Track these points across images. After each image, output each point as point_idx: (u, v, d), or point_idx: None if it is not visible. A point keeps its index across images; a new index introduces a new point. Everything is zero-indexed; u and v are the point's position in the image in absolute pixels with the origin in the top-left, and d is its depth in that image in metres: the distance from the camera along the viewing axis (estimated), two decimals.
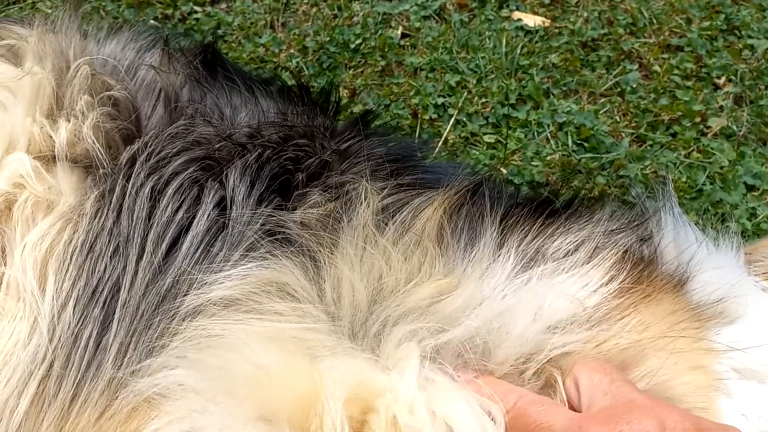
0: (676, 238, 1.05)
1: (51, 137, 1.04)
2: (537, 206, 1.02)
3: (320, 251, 0.91)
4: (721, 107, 1.77)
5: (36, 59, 1.09)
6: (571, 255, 0.96)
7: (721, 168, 1.65)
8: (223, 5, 2.01)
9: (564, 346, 0.87)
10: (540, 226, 0.98)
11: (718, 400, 0.88)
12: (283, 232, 0.94)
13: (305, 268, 0.89)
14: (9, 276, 0.97)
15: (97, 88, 1.08)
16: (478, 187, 1.02)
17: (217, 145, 1.03)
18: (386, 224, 0.94)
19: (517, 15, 1.97)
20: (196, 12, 1.98)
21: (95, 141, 1.03)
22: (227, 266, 0.90)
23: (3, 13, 1.91)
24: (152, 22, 1.90)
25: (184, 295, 0.90)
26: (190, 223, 0.96)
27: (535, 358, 0.87)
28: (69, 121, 1.04)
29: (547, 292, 0.90)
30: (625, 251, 0.98)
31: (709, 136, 1.73)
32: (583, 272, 0.93)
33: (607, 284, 0.92)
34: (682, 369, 0.87)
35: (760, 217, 1.58)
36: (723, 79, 1.83)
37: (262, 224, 0.95)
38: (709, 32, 1.92)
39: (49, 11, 1.86)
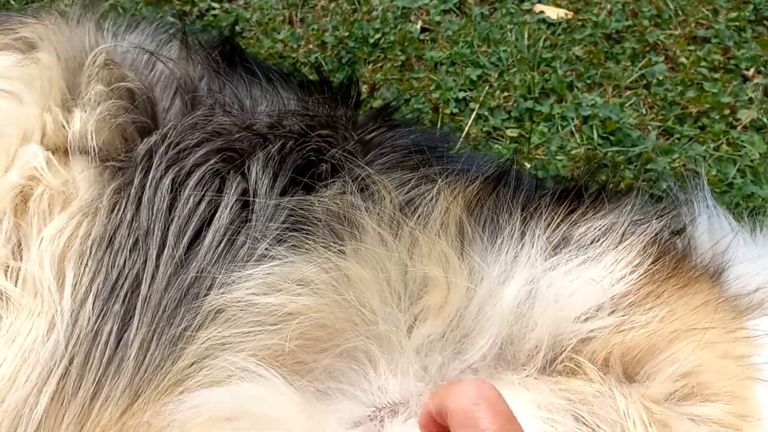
0: (710, 229, 1.02)
1: (64, 127, 1.02)
2: (561, 193, 1.00)
3: (343, 249, 0.88)
4: (751, 99, 1.73)
5: (47, 49, 1.08)
6: (598, 241, 0.93)
7: (752, 161, 1.61)
8: (241, 1, 1.99)
9: (590, 332, 0.84)
10: (565, 213, 0.96)
11: (754, 389, 0.85)
12: (307, 227, 0.92)
13: (328, 266, 0.87)
14: (26, 271, 0.96)
15: (112, 79, 1.06)
16: (500, 176, 1.00)
17: (237, 136, 1.01)
18: (409, 219, 0.91)
19: (539, 7, 1.93)
20: (214, 8, 1.96)
21: (100, 134, 1.01)
22: (251, 261, 0.88)
23: (22, 11, 1.91)
24: (170, 18, 1.88)
25: (208, 291, 0.88)
26: (213, 216, 0.94)
27: (560, 348, 0.85)
28: (85, 111, 1.03)
29: (573, 280, 0.88)
30: (655, 238, 0.95)
31: (739, 128, 1.68)
32: (610, 259, 0.91)
33: (634, 270, 0.90)
34: (712, 357, 0.85)
35: None
36: (752, 70, 1.79)
37: (286, 218, 0.93)
38: (736, 23, 1.87)
39: (68, 9, 1.86)
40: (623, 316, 0.84)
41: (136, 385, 0.88)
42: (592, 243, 0.93)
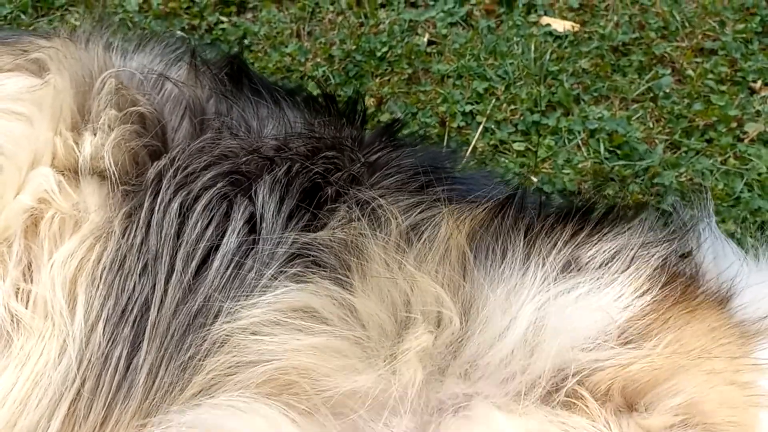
0: (715, 255, 1.03)
1: (75, 151, 1.03)
2: (567, 213, 1.00)
3: (348, 277, 0.89)
4: (758, 112, 1.72)
5: (58, 71, 1.09)
6: (606, 265, 0.93)
7: (759, 175, 1.60)
8: (250, 15, 2.00)
9: (594, 363, 0.85)
10: (571, 233, 0.96)
11: (759, 417, 0.85)
12: (312, 253, 0.93)
13: (333, 296, 0.88)
14: (36, 294, 0.96)
15: (124, 103, 1.07)
16: (506, 200, 1.00)
17: (244, 159, 1.02)
18: (413, 245, 0.92)
19: (545, 20, 1.93)
20: (222, 22, 1.97)
21: (114, 158, 1.02)
22: (258, 288, 0.89)
23: (32, 26, 1.92)
24: (179, 33, 1.89)
25: (215, 318, 0.88)
26: (220, 241, 0.95)
27: (563, 377, 0.85)
28: (95, 134, 1.04)
29: (578, 306, 0.88)
30: (663, 264, 0.95)
31: (746, 141, 1.68)
32: (618, 284, 0.91)
33: (641, 296, 0.90)
34: (716, 385, 0.85)
35: None
36: (759, 83, 1.78)
37: (292, 243, 0.94)
38: (743, 35, 1.86)
39: (77, 24, 1.87)
40: (629, 345, 0.84)
41: (146, 410, 0.89)
42: (600, 266, 0.93)
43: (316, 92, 1.27)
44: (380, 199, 0.95)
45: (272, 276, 0.90)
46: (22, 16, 1.97)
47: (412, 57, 1.87)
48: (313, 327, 0.85)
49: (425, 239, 0.91)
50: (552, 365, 0.84)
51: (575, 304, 0.88)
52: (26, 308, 0.97)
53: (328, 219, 0.96)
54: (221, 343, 0.86)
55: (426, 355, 0.84)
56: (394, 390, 0.82)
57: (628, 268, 0.93)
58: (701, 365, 0.83)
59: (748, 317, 0.92)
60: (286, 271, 0.90)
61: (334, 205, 0.98)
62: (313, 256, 0.91)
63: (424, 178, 1.04)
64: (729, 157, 1.65)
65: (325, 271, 0.89)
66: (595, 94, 1.78)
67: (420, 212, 0.95)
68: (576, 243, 0.96)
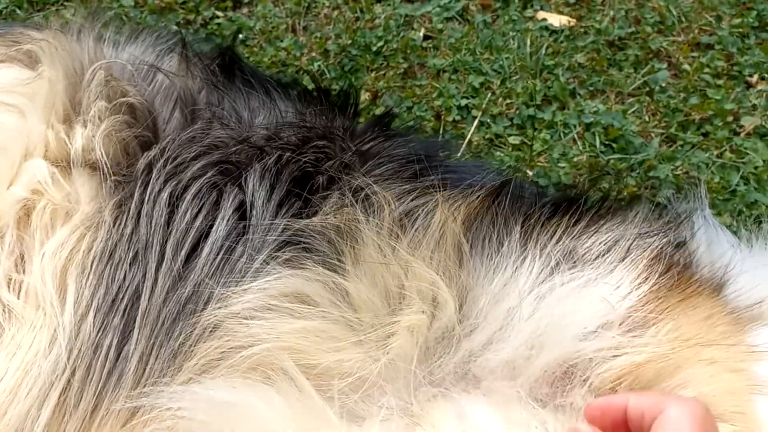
0: (709, 243, 1.02)
1: (66, 143, 1.03)
2: (563, 205, 0.99)
3: (340, 262, 0.88)
4: (754, 106, 1.72)
5: (50, 64, 1.09)
6: (603, 256, 0.93)
7: (756, 168, 1.60)
8: (245, 10, 2.00)
9: (597, 353, 0.84)
10: (567, 227, 0.95)
11: (756, 403, 0.85)
12: (304, 239, 0.92)
13: (325, 281, 0.87)
14: (28, 284, 0.96)
15: (114, 95, 1.07)
16: (500, 188, 0.99)
17: (234, 149, 1.02)
18: (407, 231, 0.91)
19: (541, 15, 1.93)
20: (217, 17, 1.97)
21: (104, 149, 1.02)
22: (248, 275, 0.88)
23: (27, 20, 1.92)
24: (174, 27, 1.89)
25: (205, 304, 0.88)
26: (210, 229, 0.95)
27: (567, 368, 0.84)
28: (86, 127, 1.03)
29: (578, 296, 0.88)
30: (659, 253, 0.95)
31: (742, 135, 1.67)
32: (616, 274, 0.90)
33: (639, 286, 0.89)
34: (717, 375, 0.84)
35: None
36: (755, 77, 1.78)
37: (283, 230, 0.93)
38: (740, 29, 1.86)
39: (72, 18, 1.87)
40: (629, 334, 0.84)
41: (135, 398, 0.88)
42: (597, 258, 0.92)
43: (311, 86, 1.27)
44: (373, 186, 0.95)
45: (263, 262, 0.89)
46: (18, 11, 1.97)
47: (408, 51, 1.87)
48: (304, 311, 0.84)
49: (419, 225, 0.91)
50: (552, 358, 0.83)
51: (574, 295, 0.87)
52: (18, 298, 0.97)
53: (320, 206, 0.96)
54: (212, 329, 0.86)
55: (418, 333, 0.83)
56: (381, 364, 0.81)
57: (624, 258, 0.93)
58: (700, 354, 0.83)
59: (742, 303, 0.91)
60: (277, 257, 0.90)
61: (325, 193, 0.97)
62: (304, 242, 0.91)
63: (416, 167, 1.04)
64: (725, 150, 1.65)
65: (317, 256, 0.89)
66: (591, 89, 1.78)
67: (413, 199, 0.95)
68: (572, 235, 0.95)
